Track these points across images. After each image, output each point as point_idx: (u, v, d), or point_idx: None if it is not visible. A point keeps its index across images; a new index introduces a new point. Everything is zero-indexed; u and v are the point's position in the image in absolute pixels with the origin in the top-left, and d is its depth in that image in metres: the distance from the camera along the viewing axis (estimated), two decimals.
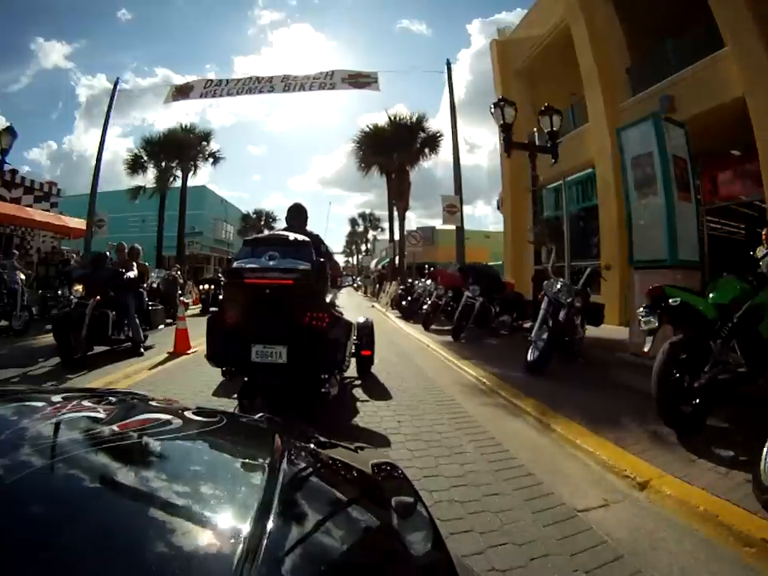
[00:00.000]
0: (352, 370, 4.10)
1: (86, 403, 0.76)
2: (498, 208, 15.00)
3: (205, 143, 20.50)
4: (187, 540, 0.46)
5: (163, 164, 19.42)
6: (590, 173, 9.95)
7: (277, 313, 2.75)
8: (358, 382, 4.21)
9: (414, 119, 19.55)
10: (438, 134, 19.66)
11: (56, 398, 0.74)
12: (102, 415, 0.71)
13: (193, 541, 0.46)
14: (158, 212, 19.61)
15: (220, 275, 13.63)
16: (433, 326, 8.13)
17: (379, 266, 33.39)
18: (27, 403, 0.74)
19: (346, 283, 4.84)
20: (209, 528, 0.49)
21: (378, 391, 3.93)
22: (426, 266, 14.11)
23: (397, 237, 20.80)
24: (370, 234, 48.03)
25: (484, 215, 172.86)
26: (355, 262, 53.17)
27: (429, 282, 10.24)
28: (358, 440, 1.09)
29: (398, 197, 19.99)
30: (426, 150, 19.65)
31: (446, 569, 0.59)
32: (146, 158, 19.52)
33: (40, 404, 0.70)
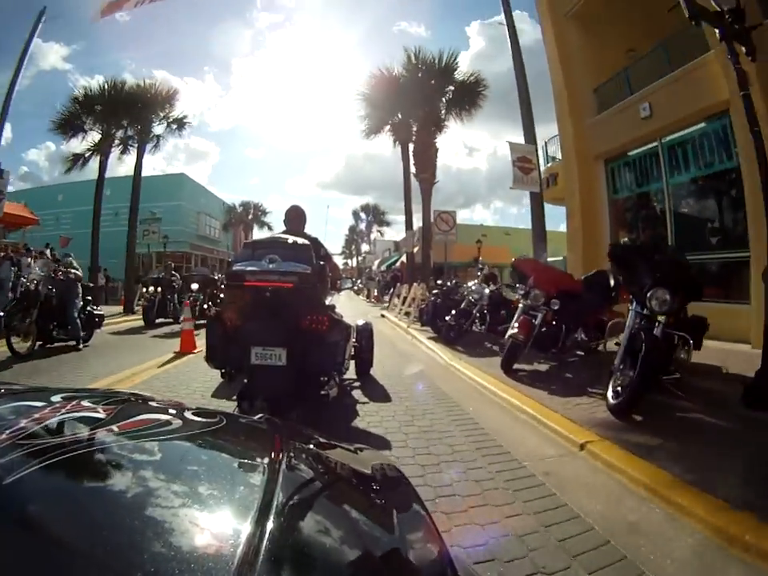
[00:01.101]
0: (351, 372, 4.11)
1: (85, 403, 0.76)
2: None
3: (168, 106, 15.27)
4: (187, 541, 0.46)
5: (111, 127, 14.15)
6: (705, 127, 6.99)
7: (277, 315, 2.76)
8: (357, 384, 4.21)
9: (444, 61, 13.95)
10: (481, 81, 13.95)
11: (56, 398, 0.74)
12: (101, 415, 0.71)
13: (192, 542, 0.46)
14: (130, 201, 14.17)
15: (174, 274, 11.15)
16: (515, 365, 4.47)
17: (382, 267, 31.86)
18: (26, 403, 0.74)
19: (346, 286, 4.84)
20: (208, 529, 0.49)
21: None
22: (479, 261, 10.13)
23: (416, 225, 15.91)
24: (374, 233, 44.68)
25: (482, 218, 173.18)
26: (354, 264, 50.68)
27: (483, 284, 6.83)
28: (357, 441, 1.09)
29: (421, 168, 14.31)
30: (457, 108, 14.37)
31: (446, 572, 0.59)
32: (84, 117, 14.15)
33: (39, 404, 0.70)
